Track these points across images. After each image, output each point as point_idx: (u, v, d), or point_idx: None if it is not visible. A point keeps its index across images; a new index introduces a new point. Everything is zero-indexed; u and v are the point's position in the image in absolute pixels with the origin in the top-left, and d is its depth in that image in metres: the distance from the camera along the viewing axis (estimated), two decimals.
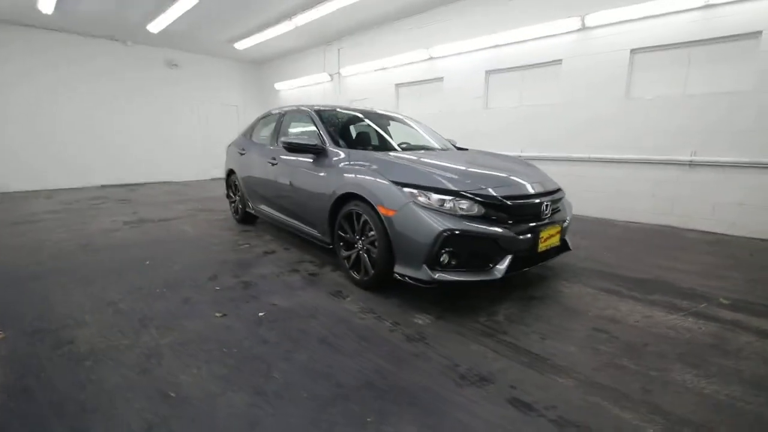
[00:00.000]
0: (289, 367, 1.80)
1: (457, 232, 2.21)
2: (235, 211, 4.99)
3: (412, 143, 3.83)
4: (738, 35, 4.20)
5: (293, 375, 1.73)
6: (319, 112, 3.58)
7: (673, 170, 4.78)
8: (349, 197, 2.77)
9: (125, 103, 9.26)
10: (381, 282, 2.62)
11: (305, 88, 10.17)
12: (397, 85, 7.92)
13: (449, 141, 4.18)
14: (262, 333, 2.12)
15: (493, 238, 2.28)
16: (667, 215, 4.91)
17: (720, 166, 4.44)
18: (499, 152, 3.97)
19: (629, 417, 1.50)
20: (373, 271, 2.62)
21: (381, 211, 2.45)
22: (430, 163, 2.71)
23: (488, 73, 6.41)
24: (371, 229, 2.60)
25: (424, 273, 2.28)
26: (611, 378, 1.75)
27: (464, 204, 2.32)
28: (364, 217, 2.61)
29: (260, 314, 2.36)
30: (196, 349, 1.95)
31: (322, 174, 3.07)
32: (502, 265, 2.34)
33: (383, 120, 4.01)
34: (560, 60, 5.57)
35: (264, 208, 4.17)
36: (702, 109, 4.49)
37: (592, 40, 5.22)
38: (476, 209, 2.33)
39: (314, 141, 3.17)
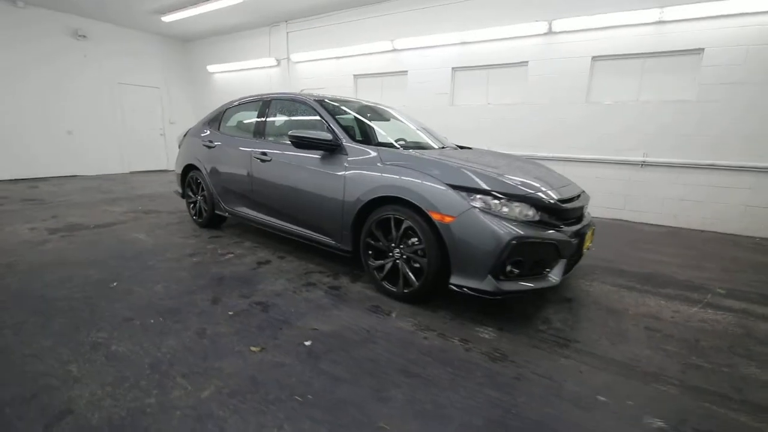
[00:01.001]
0: (390, 411, 1.51)
1: (525, 239, 2.10)
2: (197, 214, 4.27)
3: (408, 140, 3.61)
4: (685, 50, 4.76)
5: (405, 421, 1.46)
6: (321, 103, 3.18)
7: (627, 170, 5.30)
8: (383, 201, 2.49)
9: (15, 80, 7.42)
10: (427, 294, 2.41)
11: (246, 73, 9.23)
12: (356, 76, 7.57)
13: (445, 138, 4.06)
14: (327, 368, 1.78)
15: (555, 243, 2.22)
16: (621, 210, 5.44)
17: (667, 166, 5.03)
18: (501, 152, 3.97)
19: (746, 419, 1.54)
20: (417, 283, 2.39)
21: (435, 217, 2.22)
22: (476, 164, 2.55)
23: (455, 69, 6.43)
24: (412, 236, 2.38)
25: (489, 284, 2.13)
26: (700, 379, 1.79)
27: (524, 208, 2.21)
28: (407, 223, 2.36)
29: (306, 343, 1.99)
30: (258, 401, 1.54)
31: (340, 173, 2.72)
32: (558, 270, 2.30)
33: (377, 114, 3.73)
34: (527, 62, 5.79)
35: (246, 211, 3.62)
36: (653, 114, 5.02)
37: (557, 45, 5.51)
38: (531, 213, 2.24)
39: (327, 136, 2.79)
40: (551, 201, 2.29)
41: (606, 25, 5.10)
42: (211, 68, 9.72)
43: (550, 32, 5.49)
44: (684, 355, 2.01)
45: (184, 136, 4.47)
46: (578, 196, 2.66)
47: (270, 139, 3.43)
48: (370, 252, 2.63)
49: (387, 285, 2.56)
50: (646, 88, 5.09)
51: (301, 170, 2.99)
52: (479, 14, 5.95)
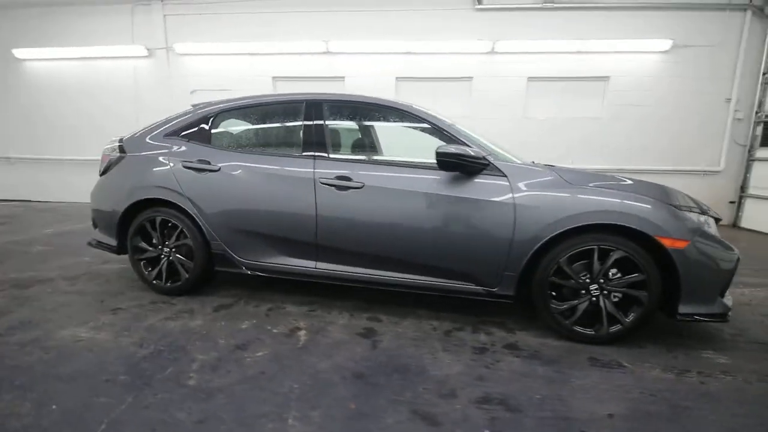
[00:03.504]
0: None
1: (739, 255, 2.09)
2: (164, 276, 2.68)
3: None
4: (596, 77, 5.86)
5: None
6: (417, 109, 2.48)
7: None
8: (571, 232, 2.06)
9: None
10: (633, 332, 2.12)
11: (93, 63, 6.61)
12: (276, 79, 6.42)
13: None
14: None
15: None
16: None
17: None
18: None
19: None
20: (628, 320, 2.08)
21: (666, 243, 1.97)
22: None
23: (399, 79, 6.19)
24: (611, 268, 2.07)
25: (720, 306, 2.04)
26: None
27: (714, 224, 2.21)
28: (618, 254, 2.02)
29: None
30: None
31: (501, 200, 2.13)
32: None
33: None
34: (471, 77, 6.06)
35: (296, 263, 2.48)
36: (577, 129, 6.00)
37: (499, 64, 5.96)
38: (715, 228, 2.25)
39: (479, 153, 2.16)
40: (717, 214, 2.36)
41: (539, 50, 5.81)
42: (19, 53, 6.56)
43: (493, 51, 5.89)
44: None
45: (119, 152, 2.77)
46: None
47: (342, 156, 2.45)
48: (553, 293, 2.16)
49: (580, 329, 2.14)
50: (569, 107, 6.03)
51: (428, 200, 2.22)
52: (426, 26, 5.88)
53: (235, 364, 1.90)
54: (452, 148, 2.11)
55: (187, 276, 2.66)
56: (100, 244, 2.87)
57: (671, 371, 1.91)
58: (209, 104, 2.79)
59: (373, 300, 2.70)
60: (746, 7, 5.29)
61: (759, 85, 5.41)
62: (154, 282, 2.72)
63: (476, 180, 2.20)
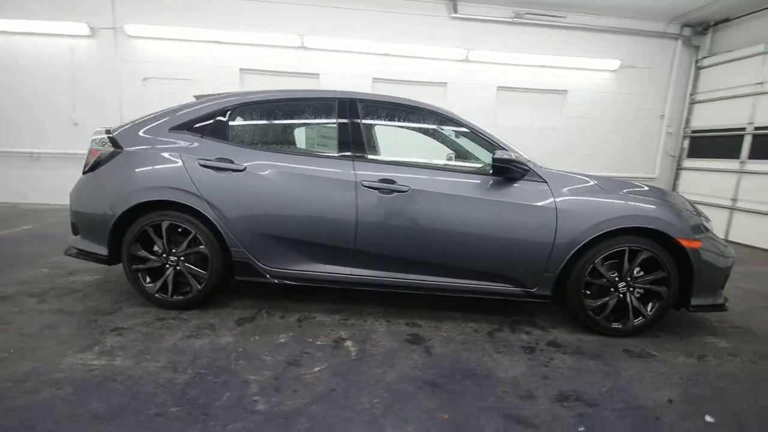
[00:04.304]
0: None
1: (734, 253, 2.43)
2: (168, 288, 2.37)
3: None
4: (557, 90, 6.37)
5: None
6: (454, 114, 2.50)
7: None
8: (614, 233, 2.23)
9: None
10: (653, 324, 2.36)
11: (17, 39, 5.59)
12: (244, 71, 6.00)
13: None
14: None
15: None
16: None
17: None
18: None
19: None
20: (650, 314, 2.30)
21: (684, 243, 2.21)
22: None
23: (375, 80, 6.14)
24: (634, 267, 2.29)
25: (721, 296, 2.36)
26: None
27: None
28: (645, 254, 2.23)
29: (709, 420, 1.60)
30: None
31: (543, 205, 2.23)
32: None
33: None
34: (446, 83, 6.23)
35: (327, 269, 2.35)
36: (540, 137, 6.46)
37: (471, 72, 6.20)
38: None
39: (524, 158, 2.26)
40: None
41: (508, 62, 6.16)
42: None
43: (467, 60, 6.11)
44: None
45: (112, 146, 2.38)
46: None
47: (384, 158, 2.39)
48: (587, 292, 2.31)
49: (613, 324, 2.33)
50: (533, 117, 6.48)
51: (475, 204, 2.25)
52: (404, 29, 5.91)
53: (297, 382, 1.75)
54: (505, 154, 2.16)
55: (199, 287, 2.38)
56: (82, 253, 2.45)
57: (692, 357, 2.16)
58: (221, 96, 2.52)
59: (401, 305, 2.66)
60: (678, 36, 6.14)
61: (686, 105, 6.32)
62: (157, 295, 2.40)
63: (517, 185, 2.28)
